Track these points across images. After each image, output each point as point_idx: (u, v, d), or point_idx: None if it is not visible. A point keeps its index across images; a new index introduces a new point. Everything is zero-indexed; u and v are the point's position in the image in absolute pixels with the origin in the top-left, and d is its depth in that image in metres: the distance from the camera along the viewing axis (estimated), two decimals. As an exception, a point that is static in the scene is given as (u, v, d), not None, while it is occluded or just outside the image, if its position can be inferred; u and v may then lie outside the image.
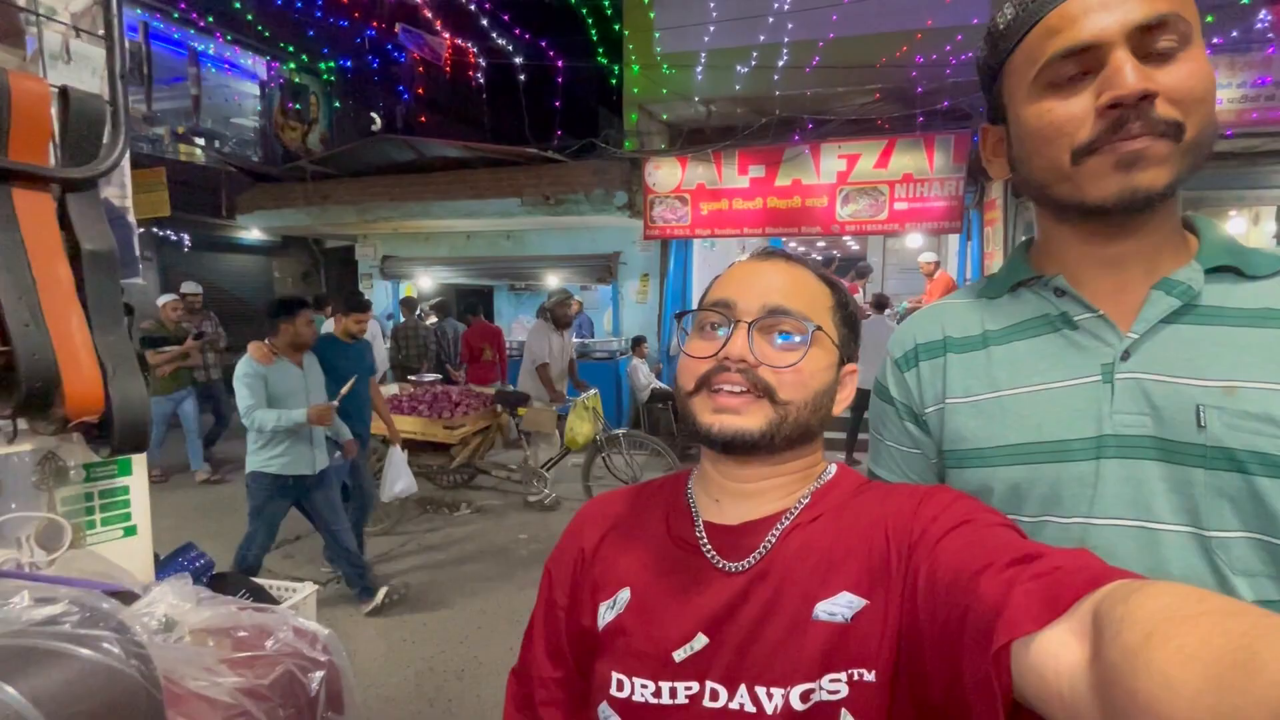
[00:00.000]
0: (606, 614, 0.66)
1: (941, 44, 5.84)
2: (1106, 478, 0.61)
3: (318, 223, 8.47)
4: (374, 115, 11.09)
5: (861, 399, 5.45)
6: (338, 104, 10.54)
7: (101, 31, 0.87)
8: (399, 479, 3.92)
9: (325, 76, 9.97)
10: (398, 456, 3.96)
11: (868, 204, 6.33)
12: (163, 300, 5.60)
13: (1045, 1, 0.60)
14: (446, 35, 7.79)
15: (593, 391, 4.96)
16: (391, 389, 5.05)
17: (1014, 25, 0.63)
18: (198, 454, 5.68)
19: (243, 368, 3.05)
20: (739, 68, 6.33)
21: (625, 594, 0.65)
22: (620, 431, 4.95)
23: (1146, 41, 0.56)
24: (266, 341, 3.15)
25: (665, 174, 6.84)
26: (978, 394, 0.69)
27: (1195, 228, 0.66)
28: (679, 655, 0.60)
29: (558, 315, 4.92)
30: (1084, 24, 0.57)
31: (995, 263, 6.34)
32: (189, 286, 6.09)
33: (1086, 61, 0.58)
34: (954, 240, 7.71)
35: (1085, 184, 0.60)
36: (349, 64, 8.99)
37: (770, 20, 6.14)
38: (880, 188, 6.26)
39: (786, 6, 6.05)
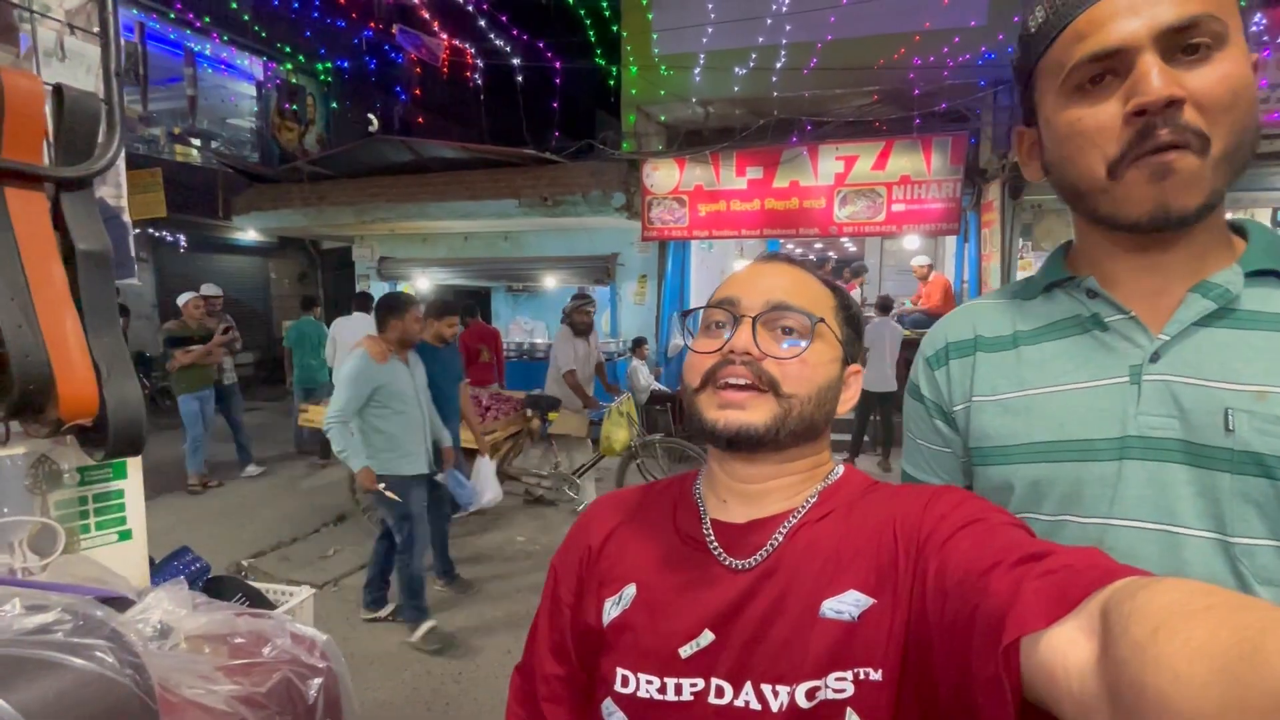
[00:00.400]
0: (612, 610, 0.65)
1: (939, 46, 5.86)
2: (1128, 479, 0.61)
3: (314, 224, 8.45)
4: (371, 116, 11.07)
5: (868, 400, 5.48)
6: (335, 105, 10.52)
7: (96, 29, 0.86)
8: (487, 489, 3.81)
9: (322, 77, 9.95)
10: (486, 466, 3.86)
11: (865, 206, 6.34)
12: (185, 299, 5.47)
13: (1074, 5, 0.59)
14: (444, 36, 7.78)
15: (625, 395, 4.91)
16: None
17: (1044, 29, 0.63)
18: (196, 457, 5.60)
19: (356, 364, 2.95)
20: (737, 69, 6.34)
21: (631, 590, 0.65)
22: (656, 438, 4.92)
23: (1177, 42, 0.55)
24: (378, 337, 3.08)
25: (663, 175, 6.84)
26: (1004, 392, 0.69)
27: (1245, 231, 0.65)
28: (685, 651, 0.60)
29: (575, 321, 4.86)
30: (1111, 28, 0.57)
31: (992, 265, 6.36)
32: (209, 289, 6.00)
33: (1114, 65, 0.58)
34: (951, 242, 7.72)
35: (1120, 200, 0.60)
36: (346, 65, 8.97)
37: (768, 22, 6.15)
38: (878, 189, 6.27)
39: (785, 8, 6.07)
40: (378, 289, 9.18)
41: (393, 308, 3.08)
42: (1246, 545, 0.57)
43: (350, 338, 6.10)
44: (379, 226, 8.34)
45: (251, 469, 5.89)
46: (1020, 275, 6.97)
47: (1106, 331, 0.65)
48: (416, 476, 3.10)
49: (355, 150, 7.67)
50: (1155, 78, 0.55)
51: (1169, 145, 0.56)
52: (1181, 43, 0.55)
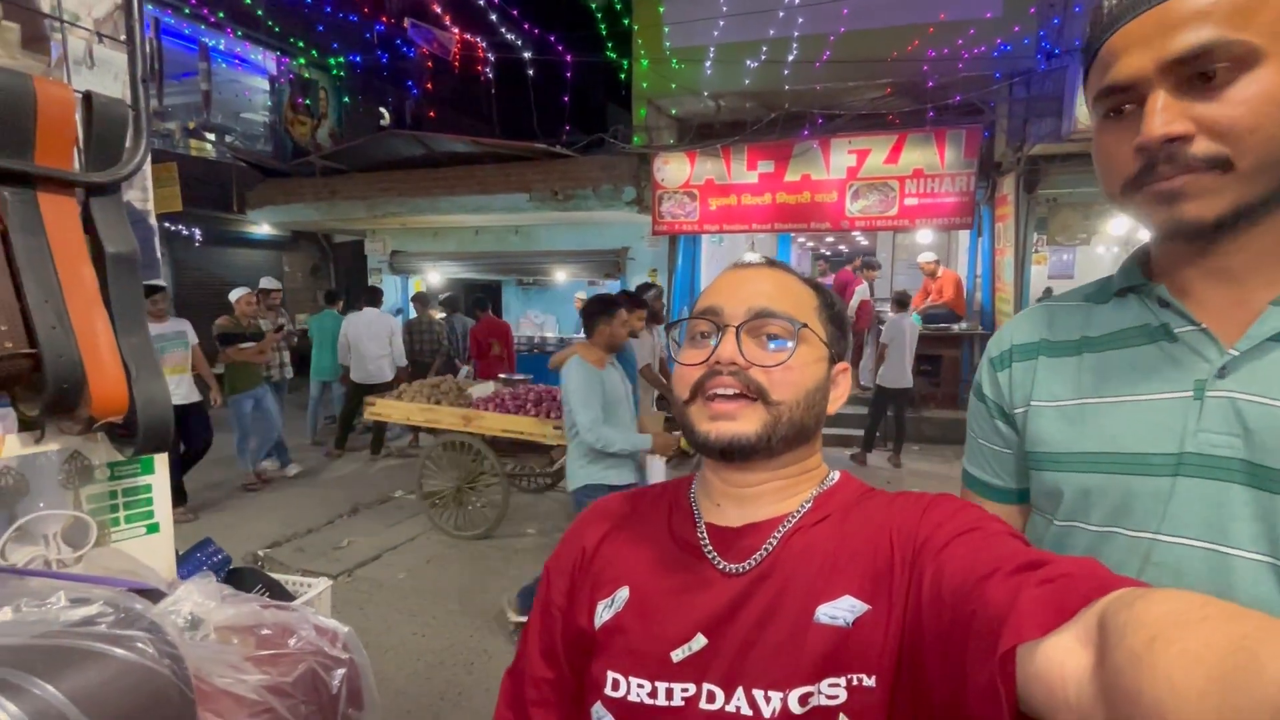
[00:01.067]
0: (604, 613, 0.66)
1: (954, 37, 5.79)
2: (1182, 495, 0.60)
3: (327, 218, 8.52)
4: (383, 110, 11.11)
5: (884, 396, 5.40)
6: (347, 99, 10.57)
7: (123, 37, 0.88)
8: None
9: (335, 72, 9.99)
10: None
11: (878, 199, 6.29)
12: (237, 295, 5.36)
13: (1102, 31, 0.59)
14: (455, 30, 7.79)
15: None
16: (488, 388, 4.80)
17: (1087, 50, 0.63)
18: (281, 449, 5.59)
19: (579, 374, 2.78)
20: (748, 62, 6.30)
21: (624, 592, 0.65)
22: None
23: (1191, 70, 0.54)
24: (590, 344, 2.93)
25: (674, 169, 6.83)
26: (1063, 399, 0.69)
27: None
28: (677, 655, 0.60)
29: (654, 310, 4.69)
30: (1123, 61, 0.57)
31: (1006, 259, 6.30)
32: (269, 282, 5.98)
33: (1130, 97, 0.58)
34: (964, 237, 7.66)
35: (1136, 215, 0.61)
36: (358, 59, 9.02)
37: (780, 15, 6.10)
38: (890, 183, 6.22)
39: (797, 1, 6.01)
40: (389, 283, 9.26)
41: (601, 311, 2.88)
42: None
43: (361, 334, 6.14)
44: (391, 220, 8.40)
45: (269, 463, 5.89)
46: (1035, 269, 6.92)
47: (1175, 343, 0.63)
48: (623, 488, 2.91)
49: (367, 144, 7.72)
50: (1156, 116, 0.55)
51: (1174, 174, 0.56)
52: (1196, 70, 0.54)
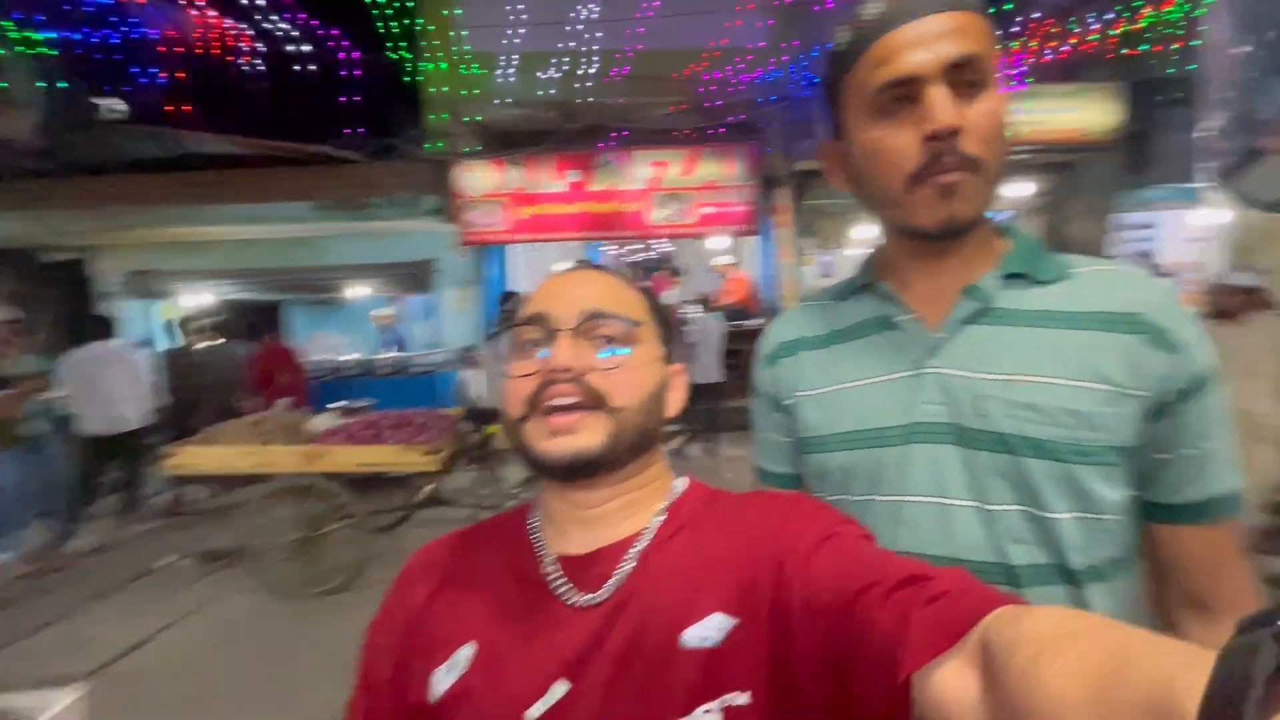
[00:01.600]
0: (444, 680, 0.57)
1: (731, 62, 6.41)
2: (915, 460, 0.70)
3: (34, 230, 6.82)
4: (112, 102, 9.18)
5: (694, 391, 5.73)
6: (66, 84, 8.52)
7: None
8: None
9: (39, 49, 8.01)
10: None
11: (677, 209, 6.74)
12: None
13: (874, 31, 0.65)
14: (212, 13, 6.72)
15: None
16: (328, 419, 4.10)
17: (848, 51, 0.67)
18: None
19: None
20: (545, 73, 6.34)
21: (467, 651, 0.58)
22: None
23: (956, 77, 0.63)
24: None
25: (478, 178, 6.63)
26: (820, 387, 0.77)
27: (1012, 236, 0.75)
28: (535, 711, 0.54)
29: None
30: (905, 57, 0.63)
31: (789, 262, 7.13)
32: (3, 312, 4.49)
33: (909, 92, 0.64)
34: (755, 241, 8.52)
35: (914, 211, 0.67)
36: (77, 37, 7.33)
37: (579, 28, 6.25)
38: (688, 194, 6.70)
39: (595, 15, 6.20)
40: (130, 309, 7.67)
41: None
42: (999, 511, 0.66)
43: (94, 374, 4.88)
44: (127, 234, 6.98)
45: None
46: (806, 270, 7.92)
47: (897, 331, 0.73)
48: None
49: (89, 141, 6.38)
50: (945, 108, 0.62)
51: (953, 168, 0.63)
52: (960, 78, 0.63)
